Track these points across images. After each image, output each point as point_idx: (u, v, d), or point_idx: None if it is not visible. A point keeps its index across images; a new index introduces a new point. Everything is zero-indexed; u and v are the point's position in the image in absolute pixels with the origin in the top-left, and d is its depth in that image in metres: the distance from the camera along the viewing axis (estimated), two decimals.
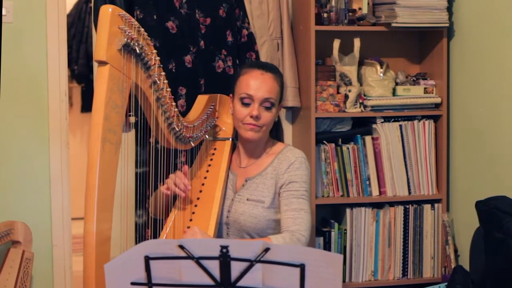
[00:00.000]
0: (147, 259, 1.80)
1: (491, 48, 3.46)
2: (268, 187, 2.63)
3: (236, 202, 2.67)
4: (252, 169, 2.71)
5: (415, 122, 3.78)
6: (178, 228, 2.57)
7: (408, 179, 3.78)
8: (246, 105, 2.62)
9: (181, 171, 2.60)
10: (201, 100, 2.83)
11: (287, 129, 3.92)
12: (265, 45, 3.74)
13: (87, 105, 6.08)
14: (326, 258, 1.76)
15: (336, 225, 3.73)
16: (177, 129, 2.55)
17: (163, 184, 2.64)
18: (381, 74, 3.76)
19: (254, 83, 2.62)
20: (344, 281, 3.70)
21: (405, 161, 3.77)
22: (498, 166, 3.42)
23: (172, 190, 2.60)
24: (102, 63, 2.21)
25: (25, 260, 3.34)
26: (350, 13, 3.74)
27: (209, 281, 1.80)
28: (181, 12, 3.42)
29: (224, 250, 1.75)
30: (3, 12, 3.46)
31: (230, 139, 2.83)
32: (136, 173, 3.37)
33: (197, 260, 1.77)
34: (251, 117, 2.60)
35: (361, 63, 3.81)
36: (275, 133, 2.78)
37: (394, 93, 3.80)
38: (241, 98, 2.62)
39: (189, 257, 1.77)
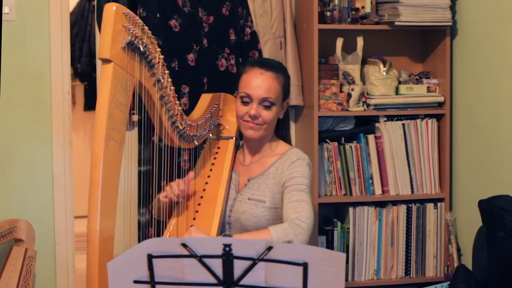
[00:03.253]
0: (150, 257, 1.80)
1: (494, 47, 3.46)
2: (270, 187, 2.63)
3: (238, 202, 2.67)
4: (255, 168, 2.71)
5: (418, 121, 3.77)
6: (182, 226, 2.56)
7: (411, 178, 3.77)
8: (245, 103, 2.62)
9: (184, 171, 2.59)
10: (205, 98, 2.82)
11: (290, 127, 3.92)
12: (268, 43, 3.74)
13: (90, 104, 6.08)
14: (329, 256, 1.76)
15: (338, 224, 3.73)
16: (180, 128, 2.55)
17: (166, 183, 2.64)
18: (384, 73, 3.76)
19: (253, 82, 2.61)
20: (346, 279, 3.70)
21: (408, 160, 3.77)
22: (501, 165, 3.41)
23: (169, 198, 2.60)
24: (106, 61, 2.21)
25: (27, 258, 3.34)
26: (353, 12, 3.74)
27: (212, 280, 1.80)
28: (184, 11, 3.42)
29: (227, 249, 1.75)
30: (6, 10, 3.46)
31: (234, 138, 2.83)
32: (139, 172, 3.37)
33: (200, 259, 1.77)
34: (250, 116, 2.61)
35: (364, 62, 3.81)
36: (282, 132, 2.76)
37: (397, 92, 3.80)
38: (241, 97, 2.63)
39: (192, 255, 1.77)
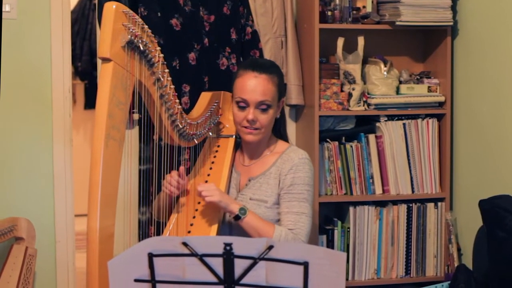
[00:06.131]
0: (151, 256, 1.80)
1: (495, 46, 3.46)
2: (272, 186, 2.63)
3: (239, 202, 2.66)
4: (256, 168, 2.70)
5: (419, 120, 3.77)
6: (181, 225, 2.57)
7: (411, 177, 3.77)
8: (242, 108, 2.62)
9: (185, 170, 2.60)
10: (205, 97, 2.83)
11: (291, 127, 3.92)
12: (269, 42, 3.73)
13: (90, 102, 6.09)
14: (329, 256, 1.76)
15: (339, 223, 3.73)
16: (180, 126, 2.55)
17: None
18: (385, 73, 3.75)
19: (248, 87, 2.60)
20: (347, 279, 3.69)
21: (408, 160, 3.77)
22: (502, 165, 3.41)
23: (167, 189, 2.60)
24: (106, 60, 2.21)
25: (28, 256, 3.34)
26: (354, 11, 3.74)
27: (213, 279, 1.80)
28: (185, 9, 3.42)
29: (228, 248, 1.75)
30: (7, 9, 3.46)
31: (234, 136, 2.83)
32: (140, 170, 3.37)
33: (201, 257, 1.77)
34: (248, 121, 2.60)
35: (365, 62, 3.81)
36: (279, 131, 2.76)
37: (397, 91, 3.80)
38: (237, 102, 2.63)
39: (193, 254, 1.77)
